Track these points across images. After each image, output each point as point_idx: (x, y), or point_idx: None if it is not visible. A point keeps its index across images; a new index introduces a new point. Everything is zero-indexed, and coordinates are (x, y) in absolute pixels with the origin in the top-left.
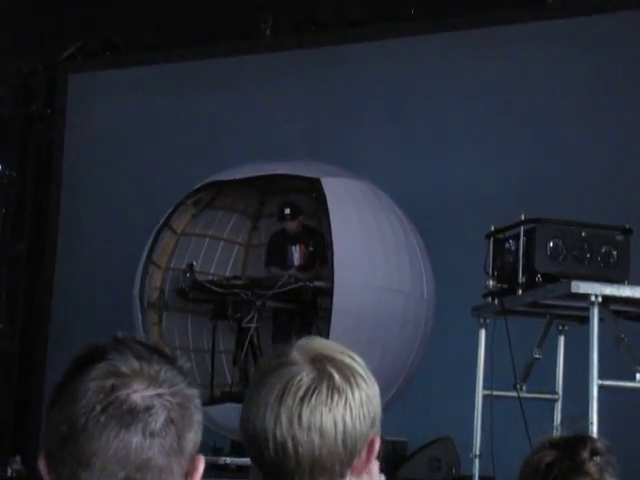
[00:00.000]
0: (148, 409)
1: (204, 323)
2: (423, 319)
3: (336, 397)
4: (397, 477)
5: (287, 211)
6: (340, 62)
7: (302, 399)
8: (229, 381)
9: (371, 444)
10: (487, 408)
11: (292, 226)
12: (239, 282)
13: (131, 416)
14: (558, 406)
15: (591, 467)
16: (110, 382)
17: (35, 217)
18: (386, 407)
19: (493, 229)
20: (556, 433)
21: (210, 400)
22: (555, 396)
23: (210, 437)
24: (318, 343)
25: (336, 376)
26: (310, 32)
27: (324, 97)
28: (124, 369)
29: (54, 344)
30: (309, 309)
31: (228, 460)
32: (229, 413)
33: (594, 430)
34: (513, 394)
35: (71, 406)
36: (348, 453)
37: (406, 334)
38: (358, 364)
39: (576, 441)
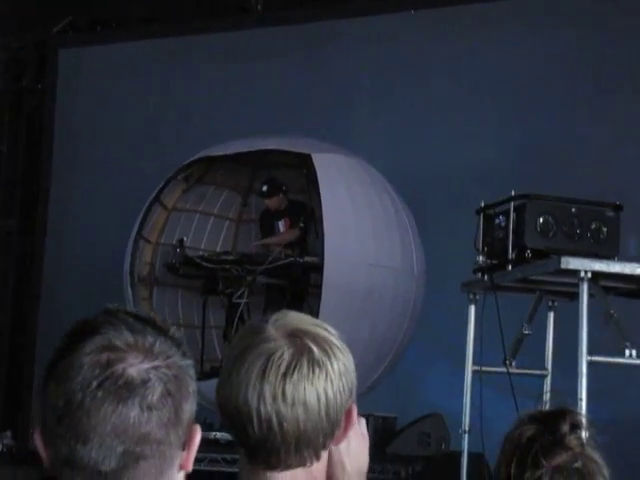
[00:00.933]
0: (144, 382)
1: (194, 298)
2: (413, 295)
3: (317, 370)
4: (387, 452)
5: (264, 188)
6: (331, 38)
7: (284, 375)
8: (219, 356)
9: (349, 413)
10: (476, 384)
11: (272, 203)
12: (230, 257)
13: (128, 390)
14: (547, 382)
15: (572, 441)
16: (105, 356)
17: (26, 192)
18: (376, 383)
19: (483, 205)
20: (542, 408)
21: (200, 375)
22: (544, 372)
23: (200, 412)
24: (292, 318)
25: (315, 349)
26: (301, 7)
27: (315, 73)
28: (118, 343)
29: (44, 319)
30: (300, 285)
31: (218, 435)
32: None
33: (583, 406)
34: (502, 370)
35: (67, 382)
36: (331, 424)
37: (396, 310)
38: (333, 335)
39: (556, 415)
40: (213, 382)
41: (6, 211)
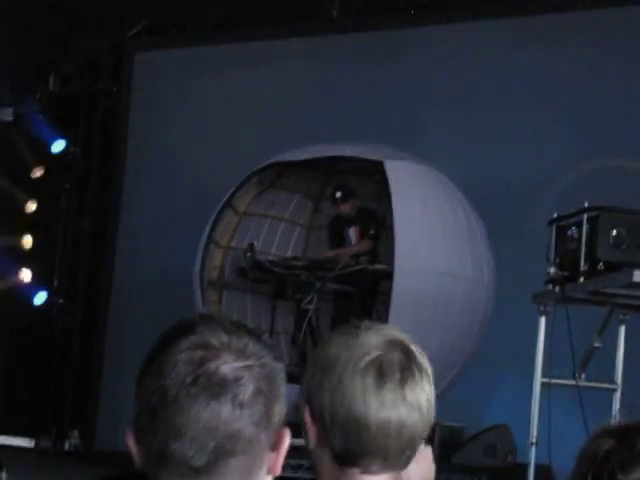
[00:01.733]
0: (237, 380)
1: (263, 303)
2: (483, 304)
3: (424, 376)
4: (452, 462)
5: (338, 194)
6: (405, 45)
7: (401, 381)
8: (287, 362)
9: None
10: (545, 396)
11: (345, 209)
12: (299, 263)
13: (220, 387)
14: (617, 396)
15: None
16: (199, 354)
17: (99, 194)
18: (443, 392)
19: (556, 216)
20: (614, 422)
21: None
22: (614, 386)
23: None
24: (384, 327)
25: (417, 355)
26: (376, 15)
27: (388, 80)
28: (213, 342)
29: (114, 321)
30: (369, 292)
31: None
32: (287, 394)
33: None
34: (572, 382)
35: (161, 378)
36: (429, 426)
37: (465, 318)
38: (413, 343)
39: (633, 429)
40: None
41: (79, 212)
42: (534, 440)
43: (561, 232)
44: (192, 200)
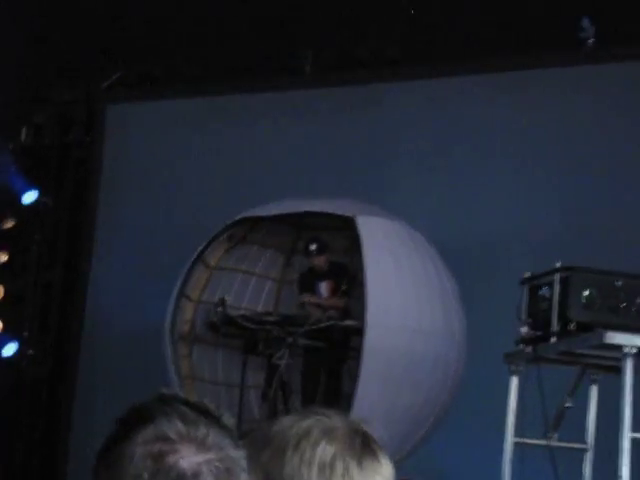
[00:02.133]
0: (196, 476)
1: (234, 357)
2: (454, 361)
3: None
4: None
5: (313, 247)
6: (378, 100)
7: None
8: (257, 416)
9: None
10: (517, 455)
11: (319, 262)
12: (271, 318)
13: None
14: (588, 456)
15: None
16: (157, 447)
17: (70, 245)
18: (414, 449)
19: (528, 275)
20: None
21: (238, 436)
22: (586, 446)
23: None
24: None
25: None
26: (348, 70)
27: (361, 134)
28: (171, 434)
29: (84, 372)
30: (340, 348)
31: None
32: None
33: None
34: (543, 442)
35: (118, 472)
36: None
37: (437, 375)
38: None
39: None
40: None
41: (50, 263)
42: None
43: (533, 291)
44: (164, 253)
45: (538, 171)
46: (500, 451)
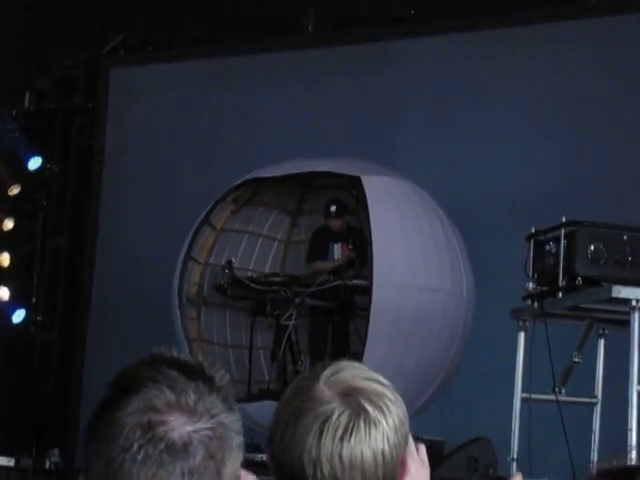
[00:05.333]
0: (186, 447)
1: (242, 319)
2: (462, 318)
3: (374, 431)
4: (434, 477)
5: (333, 208)
6: (384, 59)
7: (342, 438)
8: (267, 378)
9: (403, 463)
10: (525, 411)
11: (337, 224)
12: (278, 279)
13: (169, 454)
14: (597, 410)
15: None
16: (146, 418)
17: (76, 211)
18: (424, 407)
19: (534, 231)
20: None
21: (247, 397)
22: (594, 400)
23: (247, 434)
24: (345, 374)
25: (370, 409)
26: (352, 28)
27: (366, 94)
28: (160, 403)
29: (93, 338)
30: (347, 307)
31: (265, 457)
32: (266, 410)
33: (633, 437)
34: (552, 397)
35: (108, 442)
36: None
37: (445, 333)
38: (386, 387)
39: (632, 471)
40: (261, 404)
41: (56, 229)
42: (515, 456)
43: (539, 247)
44: (169, 216)
45: (546, 127)
46: (510, 407)
